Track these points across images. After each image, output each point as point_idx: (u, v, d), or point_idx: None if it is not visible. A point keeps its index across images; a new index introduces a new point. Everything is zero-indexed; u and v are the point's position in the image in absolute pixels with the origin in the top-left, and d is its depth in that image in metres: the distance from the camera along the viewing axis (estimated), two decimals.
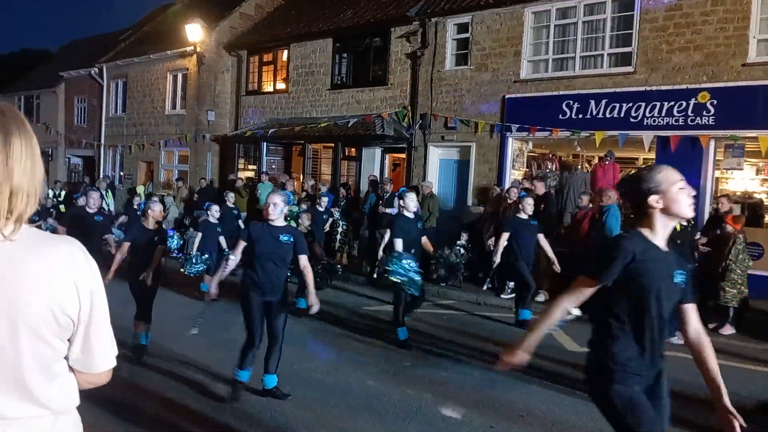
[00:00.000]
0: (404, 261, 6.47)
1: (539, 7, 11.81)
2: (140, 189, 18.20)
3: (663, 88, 10.23)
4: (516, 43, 12.07)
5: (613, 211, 9.25)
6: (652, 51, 10.40)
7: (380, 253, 8.64)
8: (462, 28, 13.02)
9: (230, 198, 11.22)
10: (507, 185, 11.77)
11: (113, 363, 1.53)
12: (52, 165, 24.49)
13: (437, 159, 13.58)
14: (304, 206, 10.82)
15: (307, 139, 15.36)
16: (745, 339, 7.61)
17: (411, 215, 6.97)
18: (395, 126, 13.79)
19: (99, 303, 1.47)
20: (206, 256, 8.89)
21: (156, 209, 6.34)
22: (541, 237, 7.97)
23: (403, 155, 14.36)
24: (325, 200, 11.16)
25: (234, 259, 4.97)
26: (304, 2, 18.64)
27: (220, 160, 18.42)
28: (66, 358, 1.47)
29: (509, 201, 10.37)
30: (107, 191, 16.92)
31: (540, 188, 10.27)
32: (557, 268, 7.88)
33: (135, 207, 13.36)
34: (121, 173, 21.22)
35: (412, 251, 6.76)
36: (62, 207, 16.09)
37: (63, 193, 18.12)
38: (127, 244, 6.17)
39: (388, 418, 4.78)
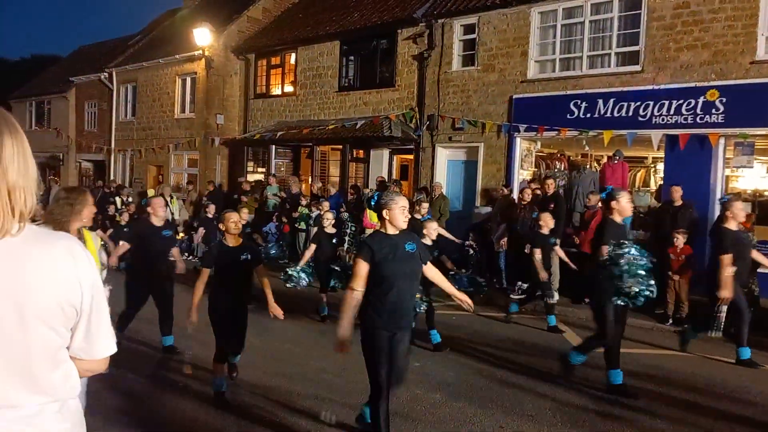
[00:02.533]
0: (631, 252, 5.09)
1: (545, 7, 11.80)
2: (151, 192, 18.32)
3: (671, 86, 10.19)
4: (523, 44, 12.07)
5: None
6: (660, 49, 10.37)
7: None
8: (468, 29, 13.03)
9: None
10: (515, 185, 11.77)
11: (114, 349, 1.63)
12: (63, 169, 24.73)
13: (445, 160, 13.60)
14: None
15: (315, 142, 15.43)
16: (758, 336, 7.56)
17: (620, 220, 5.62)
18: (403, 127, 13.82)
19: (99, 293, 1.56)
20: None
21: (241, 217, 5.18)
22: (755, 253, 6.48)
23: (411, 156, 14.39)
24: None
25: (360, 291, 3.84)
26: (310, 5, 18.76)
27: (230, 163, 18.54)
28: (67, 347, 1.54)
29: (524, 203, 10.26)
30: (171, 197, 15.15)
31: (549, 188, 10.24)
32: None
33: (210, 217, 11.21)
34: (132, 177, 21.38)
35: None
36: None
37: (131, 201, 15.62)
38: (207, 272, 4.99)
39: (396, 418, 4.80)
